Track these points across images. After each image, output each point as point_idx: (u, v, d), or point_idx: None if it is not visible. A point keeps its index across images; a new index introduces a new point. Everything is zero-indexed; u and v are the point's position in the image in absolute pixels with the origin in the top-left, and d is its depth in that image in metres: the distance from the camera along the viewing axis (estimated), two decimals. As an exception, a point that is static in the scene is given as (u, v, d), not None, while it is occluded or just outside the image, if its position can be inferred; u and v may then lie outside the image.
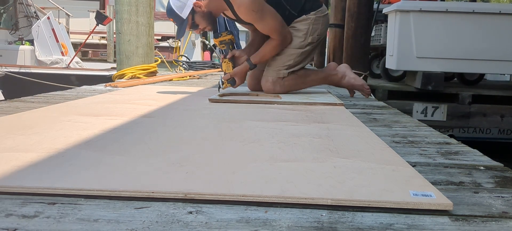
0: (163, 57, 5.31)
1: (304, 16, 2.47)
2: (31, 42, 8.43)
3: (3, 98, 5.60)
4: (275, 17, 2.36)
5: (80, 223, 0.67)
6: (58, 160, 0.98)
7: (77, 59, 8.34)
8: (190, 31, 7.58)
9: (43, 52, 8.18)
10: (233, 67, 2.50)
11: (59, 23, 9.01)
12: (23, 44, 8.45)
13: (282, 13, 2.41)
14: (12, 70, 6.85)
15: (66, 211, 0.72)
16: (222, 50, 2.57)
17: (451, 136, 4.53)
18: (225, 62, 2.52)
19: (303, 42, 2.46)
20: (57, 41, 8.45)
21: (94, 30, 9.11)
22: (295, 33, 2.46)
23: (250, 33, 2.72)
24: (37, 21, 8.33)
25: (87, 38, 9.46)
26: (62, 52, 8.48)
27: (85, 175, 0.87)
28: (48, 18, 8.36)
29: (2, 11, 7.97)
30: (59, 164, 0.95)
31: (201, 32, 2.59)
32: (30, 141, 1.16)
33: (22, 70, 7.05)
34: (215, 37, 2.57)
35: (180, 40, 7.58)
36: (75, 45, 9.52)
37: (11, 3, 8.26)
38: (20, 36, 8.54)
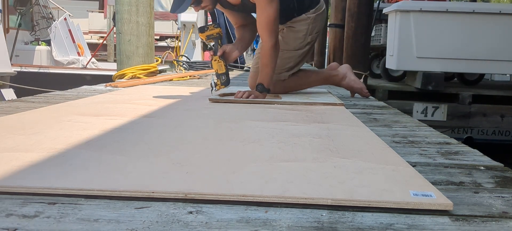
0: (173, 58, 5.34)
1: (304, 16, 2.43)
2: (48, 42, 8.49)
3: (15, 97, 5.62)
4: (277, 10, 2.20)
5: (80, 223, 0.67)
6: (58, 160, 0.98)
7: (93, 59, 8.39)
8: (191, 28, 7.58)
9: (60, 52, 8.25)
10: (225, 65, 2.29)
11: (76, 24, 9.07)
12: (40, 45, 8.51)
13: (286, 6, 2.35)
14: (25, 69, 6.87)
15: (66, 211, 0.72)
16: (210, 46, 2.32)
17: (468, 138, 4.54)
18: (215, 60, 2.27)
19: (302, 43, 2.44)
20: (74, 41, 8.51)
21: (111, 31, 9.18)
22: (295, 34, 2.43)
23: (236, 31, 2.55)
24: (54, 22, 8.40)
25: (105, 38, 9.52)
26: (78, 53, 8.54)
27: (86, 175, 0.87)
28: (65, 19, 8.42)
29: (20, 12, 8.01)
30: (59, 164, 0.95)
31: (199, 10, 2.32)
32: (30, 141, 1.16)
33: (41, 70, 7.09)
34: (201, 31, 2.30)
35: (178, 23, 7.52)
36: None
37: (29, 5, 8.33)
38: (36, 37, 8.60)
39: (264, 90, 2.23)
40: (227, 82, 2.32)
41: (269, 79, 2.26)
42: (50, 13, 8.85)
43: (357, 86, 2.63)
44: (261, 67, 2.27)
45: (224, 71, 2.30)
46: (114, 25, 8.34)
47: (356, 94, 2.71)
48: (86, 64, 7.96)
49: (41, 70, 7.24)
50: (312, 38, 2.47)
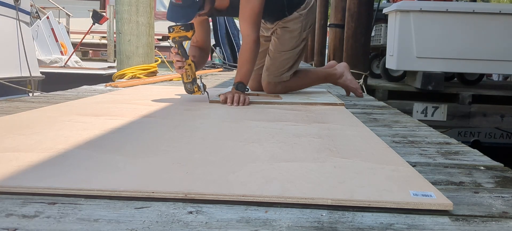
0: (163, 57, 5.33)
1: (296, 14, 2.39)
2: None
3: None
4: (262, 3, 2.13)
5: (80, 223, 0.67)
6: (58, 160, 0.98)
7: (76, 58, 8.34)
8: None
9: (43, 51, 8.20)
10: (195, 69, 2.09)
11: (59, 22, 9.02)
12: None
13: (275, 5, 2.34)
14: (49, 71, 6.86)
15: (66, 211, 0.72)
16: (177, 49, 2.04)
17: (476, 141, 4.50)
18: (189, 65, 2.03)
19: (298, 41, 2.42)
20: (57, 40, 8.46)
21: (90, 30, 9.12)
22: (290, 34, 2.41)
23: (190, 49, 2.33)
24: (36, 21, 8.35)
25: (83, 38, 9.49)
26: (61, 52, 8.49)
27: (85, 175, 0.87)
28: (48, 17, 8.37)
29: None
30: (59, 164, 0.95)
31: (201, 15, 2.18)
32: (30, 141, 1.16)
33: (60, 70, 7.07)
34: (170, 31, 2.03)
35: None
36: (75, 45, 9.56)
37: None
38: None
39: (245, 89, 2.11)
40: (204, 87, 2.10)
41: (249, 76, 2.16)
42: (36, 12, 8.79)
43: (352, 86, 2.65)
44: (241, 63, 2.12)
45: (194, 76, 2.09)
46: (93, 23, 8.28)
47: (352, 94, 2.72)
48: (65, 63, 7.92)
49: (61, 71, 7.26)
50: (307, 34, 2.46)
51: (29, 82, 5.18)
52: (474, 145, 4.98)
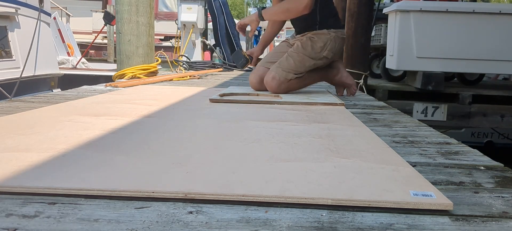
0: (167, 57, 5.38)
1: (325, 30, 2.48)
2: None
3: None
4: None
5: (80, 223, 0.67)
6: (58, 160, 0.98)
7: (83, 59, 8.37)
8: (191, 28, 7.57)
9: None
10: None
11: (64, 23, 9.04)
12: None
13: (307, 16, 2.43)
14: (68, 72, 6.92)
15: (66, 211, 0.72)
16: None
17: (489, 142, 4.46)
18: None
19: (319, 54, 2.47)
20: (63, 41, 8.47)
21: (102, 30, 9.13)
22: (313, 44, 2.47)
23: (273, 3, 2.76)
24: None
25: (95, 38, 9.50)
26: (68, 53, 8.51)
27: (86, 175, 0.87)
28: (54, 18, 8.38)
29: None
30: (59, 164, 0.95)
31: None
32: (30, 140, 1.16)
33: (71, 72, 7.15)
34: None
35: (178, 23, 7.44)
36: (80, 45, 9.56)
37: None
38: None
39: (260, 15, 2.48)
40: (245, 62, 2.71)
41: (273, 17, 2.59)
42: None
43: (348, 82, 2.70)
44: (280, 5, 2.45)
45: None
46: (105, 24, 8.28)
47: (356, 94, 2.72)
48: (76, 64, 7.94)
49: (75, 72, 7.31)
50: (328, 55, 2.49)
51: (52, 79, 5.27)
52: (487, 145, 4.96)
